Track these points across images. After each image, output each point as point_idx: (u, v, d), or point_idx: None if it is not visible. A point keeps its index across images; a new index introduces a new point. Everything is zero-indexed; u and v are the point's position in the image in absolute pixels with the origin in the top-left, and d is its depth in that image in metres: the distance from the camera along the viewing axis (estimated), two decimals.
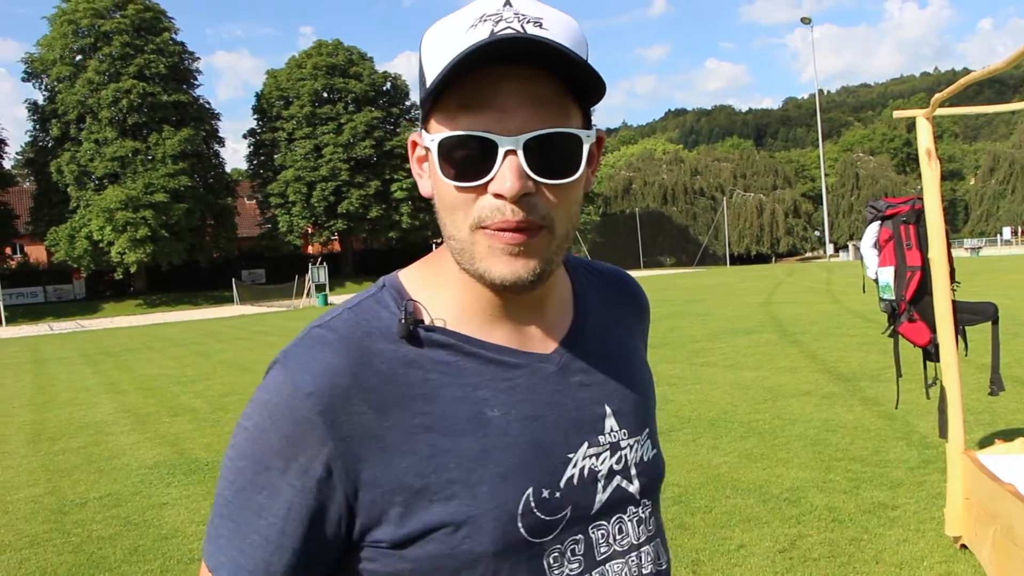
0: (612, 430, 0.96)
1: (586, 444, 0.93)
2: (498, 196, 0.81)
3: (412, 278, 0.95)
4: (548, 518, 0.88)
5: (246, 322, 28.75)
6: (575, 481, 0.91)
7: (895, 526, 4.45)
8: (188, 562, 4.65)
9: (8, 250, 50.03)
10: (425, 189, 0.90)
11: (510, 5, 0.81)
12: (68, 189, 45.73)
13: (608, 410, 0.96)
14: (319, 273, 39.26)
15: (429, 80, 0.82)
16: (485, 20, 0.80)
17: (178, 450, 7.59)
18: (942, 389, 4.08)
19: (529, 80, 0.80)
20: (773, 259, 65.32)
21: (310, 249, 57.53)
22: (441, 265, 0.93)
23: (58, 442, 8.43)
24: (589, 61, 0.85)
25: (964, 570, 3.83)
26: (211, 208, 48.91)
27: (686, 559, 4.19)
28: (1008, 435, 4.53)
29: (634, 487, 0.96)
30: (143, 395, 11.63)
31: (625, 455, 0.96)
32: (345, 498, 0.85)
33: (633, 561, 0.95)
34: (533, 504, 0.87)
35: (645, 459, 0.99)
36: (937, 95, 3.85)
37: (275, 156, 53.65)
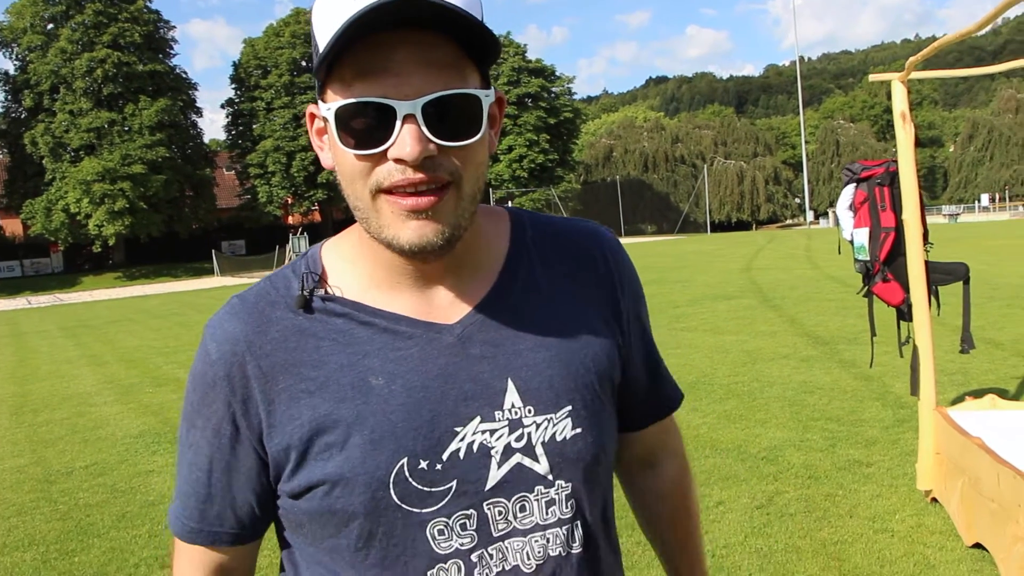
0: (513, 406, 0.92)
1: (478, 419, 0.91)
2: (399, 161, 0.81)
3: (332, 248, 0.98)
4: (427, 489, 0.89)
5: (227, 293, 28.55)
6: (461, 455, 0.90)
7: (869, 482, 4.57)
8: None
9: None
10: (326, 161, 0.90)
11: None
12: (43, 161, 45.07)
13: (511, 385, 0.92)
14: (300, 243, 39.06)
15: (322, 48, 0.81)
16: None
17: (162, 419, 7.63)
18: (915, 347, 4.18)
19: (424, 44, 0.80)
20: (754, 226, 65.56)
21: (290, 219, 57.16)
22: (357, 234, 0.95)
23: (41, 413, 8.44)
24: (484, 21, 0.84)
25: (934, 522, 3.95)
26: (190, 179, 48.39)
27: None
28: (979, 394, 4.64)
29: (541, 467, 0.93)
30: (126, 366, 11.63)
31: (528, 432, 0.92)
32: (255, 451, 0.93)
33: (537, 541, 0.93)
34: (407, 473, 0.88)
35: (558, 438, 0.94)
36: (911, 59, 3.91)
37: (254, 126, 53.07)
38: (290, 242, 39.67)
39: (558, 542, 0.94)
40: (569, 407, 0.95)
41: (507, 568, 0.92)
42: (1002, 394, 4.79)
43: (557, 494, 0.94)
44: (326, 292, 0.93)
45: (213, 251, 46.68)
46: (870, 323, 4.82)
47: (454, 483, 0.90)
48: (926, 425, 4.13)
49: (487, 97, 0.84)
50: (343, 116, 0.81)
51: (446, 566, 0.90)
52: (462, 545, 0.90)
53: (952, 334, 5.39)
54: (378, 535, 0.90)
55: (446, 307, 0.94)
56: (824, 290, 14.42)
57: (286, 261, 36.58)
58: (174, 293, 31.70)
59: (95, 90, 45.26)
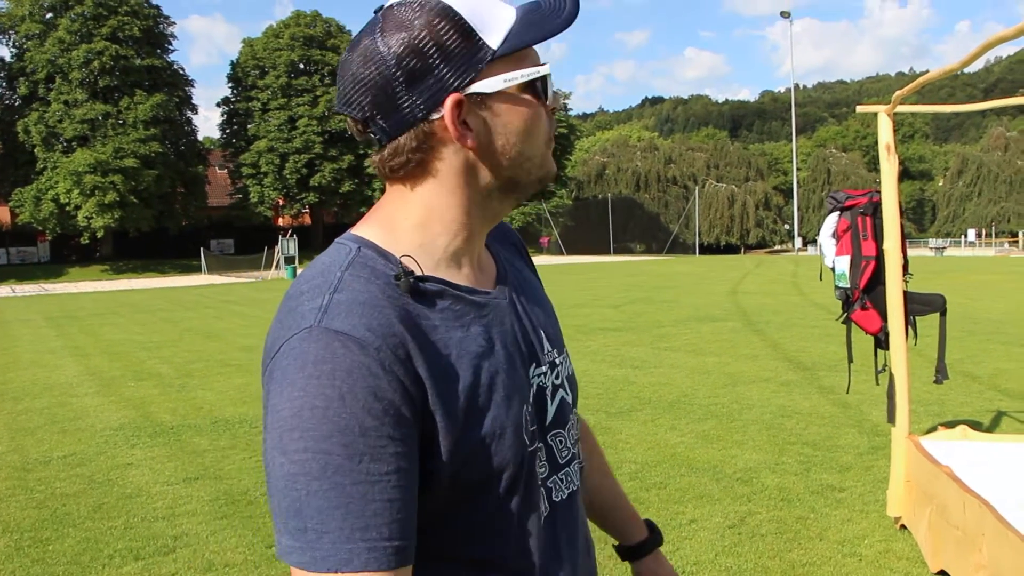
0: (549, 351, 1.10)
1: (535, 364, 1.06)
2: (554, 111, 1.05)
3: (374, 235, 1.00)
4: (532, 427, 1.02)
5: (214, 291, 28.56)
6: (534, 395, 1.04)
7: (841, 507, 4.63)
8: (152, 520, 4.71)
9: None
10: (469, 142, 0.97)
11: None
12: (35, 150, 44.92)
13: (543, 334, 1.10)
14: (289, 245, 39.04)
15: (490, 38, 0.97)
16: None
17: (143, 413, 7.62)
18: (891, 376, 4.25)
19: None
20: (742, 250, 65.86)
21: (280, 221, 57.11)
22: (393, 222, 1.01)
23: (21, 402, 8.42)
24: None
25: (902, 548, 4.01)
26: (182, 175, 48.32)
27: None
28: (953, 425, 4.71)
29: (570, 397, 1.13)
30: (108, 359, 11.59)
31: (560, 371, 1.11)
32: (423, 434, 0.89)
33: (577, 464, 1.12)
34: (526, 418, 1.01)
35: (569, 373, 1.15)
36: (898, 92, 3.99)
37: (248, 126, 53.08)
38: (279, 244, 39.61)
39: (581, 459, 1.15)
40: (565, 348, 1.17)
41: (573, 489, 1.11)
42: (975, 426, 4.87)
43: (574, 420, 1.14)
44: (418, 274, 0.96)
45: (202, 249, 46.59)
46: (848, 350, 4.89)
47: (537, 420, 1.05)
48: (898, 453, 4.20)
49: None
50: (546, 81, 1.02)
51: (544, 491, 1.05)
52: (543, 473, 1.05)
53: (929, 365, 5.48)
54: (523, 476, 1.00)
55: (485, 278, 1.07)
56: (808, 316, 14.53)
57: (274, 262, 36.04)
58: (161, 289, 31.59)
59: (91, 82, 45.20)
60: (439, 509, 0.94)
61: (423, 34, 0.94)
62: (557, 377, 1.10)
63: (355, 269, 0.94)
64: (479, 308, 1.02)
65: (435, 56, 0.94)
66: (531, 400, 1.04)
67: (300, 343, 0.85)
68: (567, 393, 1.12)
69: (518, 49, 0.99)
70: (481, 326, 1.01)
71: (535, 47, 1.02)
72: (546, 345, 1.10)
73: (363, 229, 1.02)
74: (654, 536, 1.40)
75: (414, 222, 1.00)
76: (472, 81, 0.96)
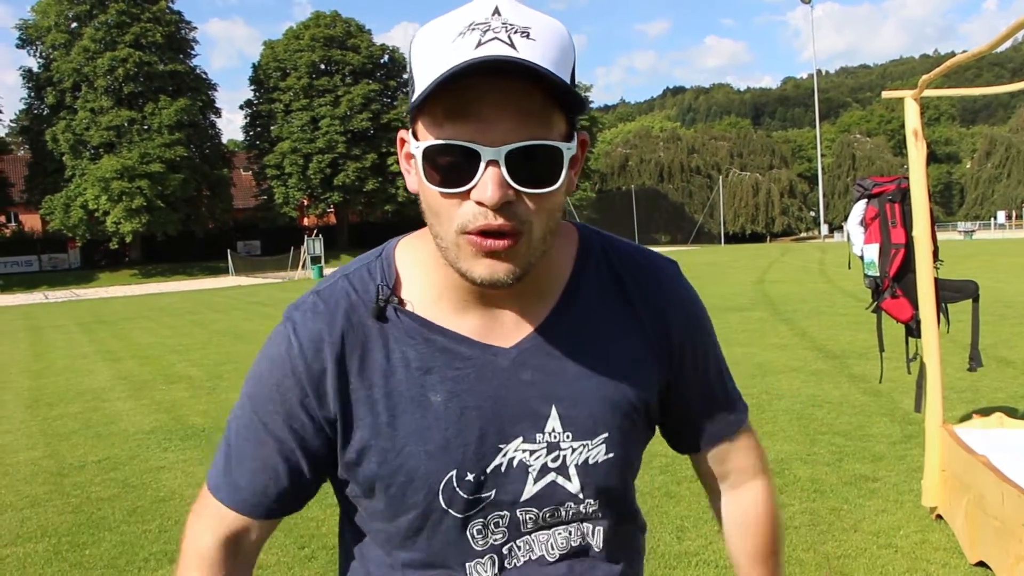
0: (554, 430, 0.99)
1: (521, 439, 0.99)
2: (480, 204, 0.85)
3: (407, 250, 1.04)
4: (470, 497, 0.99)
5: (241, 293, 28.79)
6: (502, 469, 0.99)
7: (875, 497, 4.58)
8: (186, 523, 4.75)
9: (3, 218, 49.85)
10: (412, 185, 0.93)
11: (498, 14, 0.84)
12: (63, 158, 45.47)
13: (554, 411, 0.99)
14: (314, 245, 39.23)
15: (418, 85, 0.86)
16: (473, 29, 0.82)
17: (174, 416, 7.70)
18: (922, 364, 4.19)
19: (513, 92, 0.83)
20: (768, 238, 65.37)
21: (306, 221, 57.44)
22: (432, 242, 0.97)
23: (56, 407, 8.53)
24: (576, 65, 0.90)
25: (938, 539, 3.96)
26: (207, 179, 48.71)
27: (671, 526, 4.31)
28: (987, 412, 4.64)
29: (573, 486, 1.01)
30: (139, 363, 11.72)
31: (564, 455, 1.00)
32: (324, 439, 1.00)
33: (560, 534, 1.03)
34: (455, 484, 0.98)
35: (591, 462, 1.01)
36: (925, 76, 3.93)
37: (272, 127, 53.39)
38: (305, 243, 39.83)
39: (579, 534, 1.04)
40: (606, 434, 1.02)
41: (533, 558, 1.02)
42: (1011, 413, 4.79)
43: (584, 508, 1.04)
44: (399, 301, 0.99)
45: (228, 251, 46.95)
46: (879, 339, 4.83)
47: (493, 492, 0.99)
48: (932, 442, 4.14)
49: (569, 150, 0.88)
50: (431, 154, 0.86)
51: (483, 560, 1.01)
52: (496, 541, 1.01)
53: (962, 351, 5.40)
54: (425, 529, 1.00)
55: (506, 330, 1.00)
56: (836, 304, 14.39)
57: (300, 262, 36.35)
58: (189, 291, 31.90)
59: (116, 89, 45.67)
60: (366, 512, 1.04)
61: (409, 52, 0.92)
62: (556, 460, 1.00)
63: (353, 278, 1.02)
64: (456, 358, 0.98)
65: (407, 79, 0.97)
66: (485, 470, 0.98)
67: (280, 323, 1.03)
68: (569, 479, 1.01)
69: (423, 101, 0.83)
70: (443, 377, 0.97)
71: (473, 108, 0.83)
72: (552, 424, 1.00)
73: (412, 236, 1.07)
74: None
75: (431, 248, 0.98)
76: (414, 127, 0.90)
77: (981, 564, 3.57)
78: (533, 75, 0.81)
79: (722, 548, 3.96)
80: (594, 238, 1.08)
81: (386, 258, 1.03)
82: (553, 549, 1.03)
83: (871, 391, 7.10)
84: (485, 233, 0.86)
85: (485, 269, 0.88)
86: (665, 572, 3.77)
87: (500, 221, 0.85)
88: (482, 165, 0.83)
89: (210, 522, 1.05)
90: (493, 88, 0.82)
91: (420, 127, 0.87)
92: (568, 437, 1.00)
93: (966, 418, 4.81)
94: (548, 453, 0.99)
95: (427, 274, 1.00)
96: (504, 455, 0.98)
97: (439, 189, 0.86)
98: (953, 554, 3.78)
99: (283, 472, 1.02)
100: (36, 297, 35.14)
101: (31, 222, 51.93)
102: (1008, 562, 3.21)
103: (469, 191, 0.85)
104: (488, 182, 0.83)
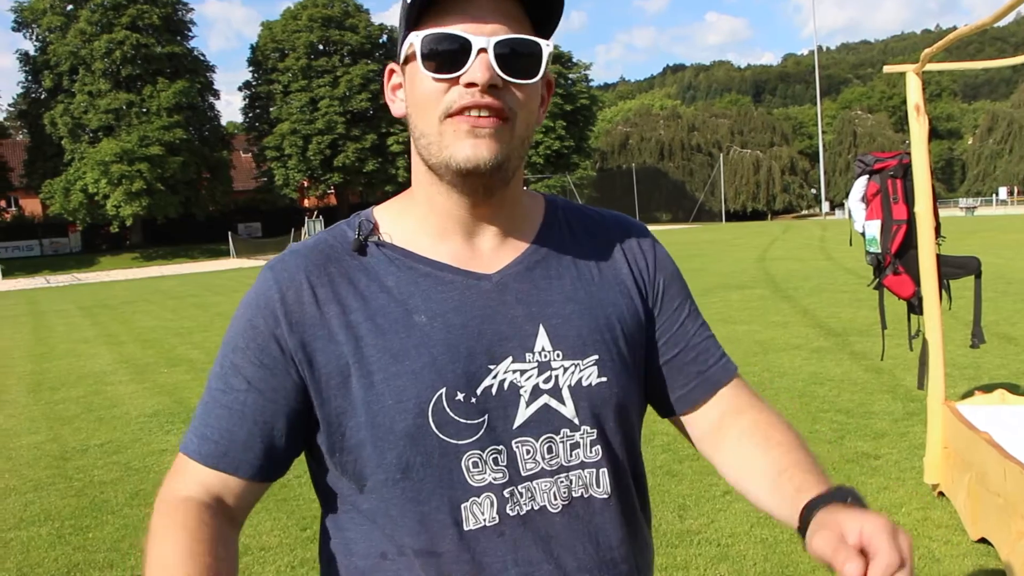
0: (543, 349, 0.99)
1: (510, 358, 0.98)
2: (470, 86, 0.92)
3: (384, 207, 1.09)
4: (462, 420, 0.95)
5: (243, 275, 28.78)
6: (493, 391, 0.97)
7: (876, 475, 4.58)
8: None
9: (3, 203, 49.78)
10: (398, 110, 1.02)
11: None
12: (62, 142, 45.29)
13: (542, 330, 1.00)
14: (315, 227, 39.16)
15: None
16: None
17: (176, 399, 7.71)
18: (924, 341, 4.18)
19: (499, 1, 0.94)
20: (769, 216, 65.20)
21: (306, 203, 57.33)
22: (410, 196, 1.07)
23: (58, 391, 8.55)
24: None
25: (940, 516, 3.97)
26: (206, 161, 48.55)
27: (673, 504, 4.32)
28: (989, 389, 4.63)
29: (567, 409, 0.99)
30: (141, 346, 11.73)
31: (556, 375, 0.99)
32: (298, 374, 0.98)
33: (563, 483, 0.99)
34: (445, 403, 0.95)
35: (584, 384, 1.00)
36: (926, 50, 3.89)
37: (271, 109, 53.14)
38: (305, 225, 39.78)
39: (581, 484, 1.00)
40: (596, 356, 1.02)
41: (535, 508, 0.97)
42: (1013, 389, 4.77)
43: (582, 438, 1.00)
44: (379, 239, 1.03)
45: (229, 233, 46.88)
46: (880, 316, 4.81)
47: (486, 417, 0.96)
48: (934, 419, 4.13)
49: (547, 47, 0.96)
50: (429, 42, 0.93)
51: (479, 499, 0.96)
52: (495, 480, 0.96)
53: (964, 328, 5.39)
54: (416, 464, 0.95)
55: (486, 258, 1.03)
56: (838, 281, 14.37)
57: None
58: (190, 274, 31.89)
59: (114, 71, 45.42)
60: (345, 463, 0.99)
61: None
62: (548, 381, 0.99)
63: (333, 230, 1.07)
64: (438, 283, 1.00)
65: (399, 15, 0.99)
66: (475, 391, 0.96)
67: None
68: (560, 402, 0.99)
69: (419, 9, 0.93)
70: (426, 299, 0.98)
71: (465, 8, 0.93)
72: (540, 343, 0.99)
73: (389, 200, 1.11)
74: (828, 495, 0.90)
75: (409, 189, 1.07)
76: (403, 44, 0.99)
77: (983, 541, 3.58)
78: None
79: (724, 526, 3.98)
80: (557, 199, 1.15)
81: (365, 213, 1.08)
82: (556, 499, 0.98)
83: (873, 368, 7.10)
84: (472, 115, 0.93)
85: (470, 148, 0.93)
86: (667, 551, 3.78)
87: (487, 99, 0.92)
88: (473, 53, 0.91)
89: (183, 479, 1.00)
90: None
91: (420, 29, 0.94)
92: (558, 356, 1.00)
93: (968, 395, 4.80)
94: (540, 373, 0.99)
95: (404, 217, 1.05)
96: (494, 376, 0.97)
97: (433, 74, 0.93)
98: (955, 531, 3.79)
99: (253, 417, 0.98)
100: (38, 282, 35.16)
101: (31, 207, 51.83)
102: (1010, 538, 3.20)
103: (459, 77, 0.92)
104: (479, 66, 0.91)
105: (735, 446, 1.07)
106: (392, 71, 1.04)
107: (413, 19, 0.94)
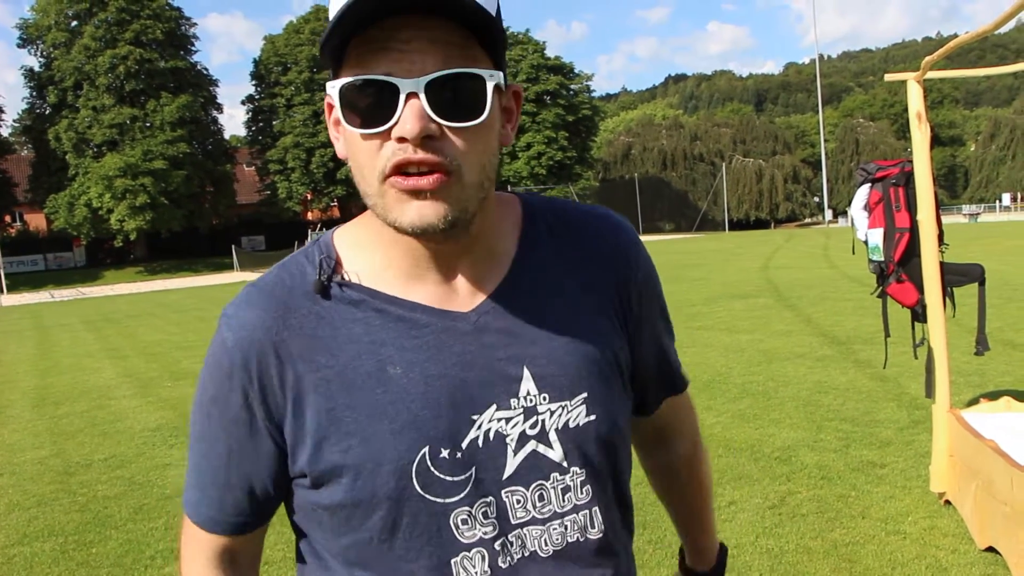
0: (529, 393, 0.93)
1: (494, 406, 0.91)
2: (401, 140, 0.80)
3: (345, 234, 0.98)
4: (448, 478, 0.89)
5: None
6: (480, 443, 0.91)
7: (882, 483, 4.56)
8: None
9: (7, 218, 49.95)
10: (341, 151, 0.89)
11: None
12: (66, 156, 45.49)
13: (527, 373, 0.93)
14: None
15: (330, 27, 0.81)
16: None
17: (180, 413, 7.69)
18: (929, 349, 4.16)
19: (429, 25, 0.79)
20: (772, 225, 65.15)
21: (309, 215, 57.43)
22: (372, 221, 0.93)
23: (62, 406, 8.54)
24: (500, 5, 0.86)
25: (947, 524, 3.94)
26: (210, 175, 48.73)
27: None
28: (995, 396, 4.61)
29: (555, 453, 0.94)
30: (145, 360, 11.74)
31: (542, 420, 0.93)
32: (271, 438, 0.93)
33: (555, 529, 0.95)
34: (429, 462, 0.89)
35: (572, 425, 0.95)
36: (927, 58, 3.89)
37: (274, 122, 53.37)
38: (309, 238, 39.82)
39: (576, 528, 0.96)
40: (585, 394, 0.95)
41: (526, 555, 0.93)
42: (1018, 396, 4.75)
43: (572, 480, 0.95)
44: (343, 278, 0.93)
45: (233, 246, 46.96)
46: (884, 324, 4.80)
47: (473, 471, 0.90)
48: (940, 427, 4.11)
49: (492, 78, 0.83)
50: (348, 93, 0.81)
51: (470, 555, 0.91)
52: (485, 534, 0.92)
53: (969, 335, 5.36)
54: (402, 525, 0.90)
55: (462, 295, 0.93)
56: (841, 289, 14.34)
57: None
58: (194, 288, 31.94)
59: (117, 86, 45.65)
60: (324, 521, 0.95)
61: None
62: (534, 426, 0.93)
63: (289, 264, 0.96)
64: (412, 327, 0.91)
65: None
66: (460, 445, 0.90)
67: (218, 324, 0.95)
68: (548, 447, 0.94)
69: (337, 48, 0.81)
70: (400, 348, 0.90)
71: (388, 41, 0.79)
72: (525, 387, 0.93)
73: (349, 223, 1.00)
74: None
75: (370, 227, 0.95)
76: (335, 77, 0.85)
77: (990, 549, 3.55)
78: (448, 10, 0.78)
79: (729, 537, 3.95)
80: (535, 200, 1.04)
81: (324, 242, 0.97)
82: (547, 545, 0.94)
83: (877, 376, 7.07)
84: (408, 173, 0.81)
85: (414, 212, 0.82)
86: (671, 562, 3.75)
87: (421, 155, 0.80)
88: (401, 99, 0.79)
89: (197, 545, 1.02)
90: (407, 24, 0.79)
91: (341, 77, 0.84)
92: (545, 399, 0.93)
93: (973, 402, 4.79)
94: (526, 419, 0.92)
95: (370, 250, 0.94)
96: (479, 427, 0.90)
97: (360, 131, 0.82)
98: (962, 540, 3.76)
99: (240, 485, 0.96)
100: (42, 296, 35.22)
101: (36, 221, 52.00)
102: (1018, 547, 3.18)
103: (390, 130, 0.80)
104: (408, 115, 0.79)
105: (664, 473, 1.27)
106: (330, 106, 0.88)
107: (334, 57, 0.83)
